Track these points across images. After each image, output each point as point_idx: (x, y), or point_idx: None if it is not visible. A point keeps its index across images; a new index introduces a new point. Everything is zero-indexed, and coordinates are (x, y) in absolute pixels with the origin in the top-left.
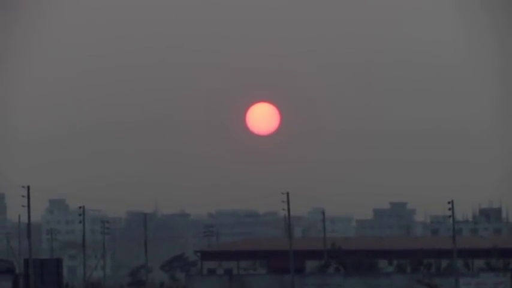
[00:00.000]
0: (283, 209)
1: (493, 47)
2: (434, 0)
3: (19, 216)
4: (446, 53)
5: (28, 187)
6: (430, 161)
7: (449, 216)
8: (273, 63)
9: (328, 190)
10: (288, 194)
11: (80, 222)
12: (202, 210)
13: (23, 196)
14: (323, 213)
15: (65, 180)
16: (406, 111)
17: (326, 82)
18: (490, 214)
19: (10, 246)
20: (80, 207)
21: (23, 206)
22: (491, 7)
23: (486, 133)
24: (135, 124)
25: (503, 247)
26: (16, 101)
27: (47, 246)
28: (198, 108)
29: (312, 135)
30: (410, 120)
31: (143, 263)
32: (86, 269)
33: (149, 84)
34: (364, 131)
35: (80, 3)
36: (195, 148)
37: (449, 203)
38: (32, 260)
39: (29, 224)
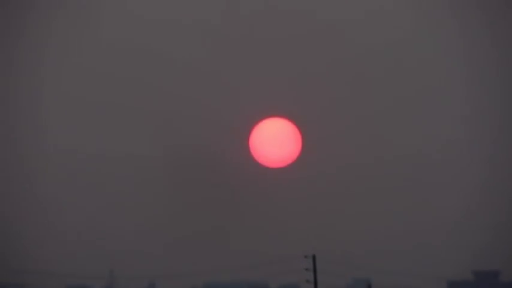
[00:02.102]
0: (308, 281)
1: None
2: None
3: None
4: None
5: None
6: None
7: None
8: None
9: (375, 251)
10: (314, 257)
11: None
12: (183, 283)
13: None
14: (369, 286)
15: None
16: None
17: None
18: None
19: None
20: None
21: None
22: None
23: None
24: None
25: None
26: None
27: None
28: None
29: (350, 167)
30: None
31: None
32: None
33: None
34: (425, 161)
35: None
36: (170, 187)
37: None
38: None
39: None
